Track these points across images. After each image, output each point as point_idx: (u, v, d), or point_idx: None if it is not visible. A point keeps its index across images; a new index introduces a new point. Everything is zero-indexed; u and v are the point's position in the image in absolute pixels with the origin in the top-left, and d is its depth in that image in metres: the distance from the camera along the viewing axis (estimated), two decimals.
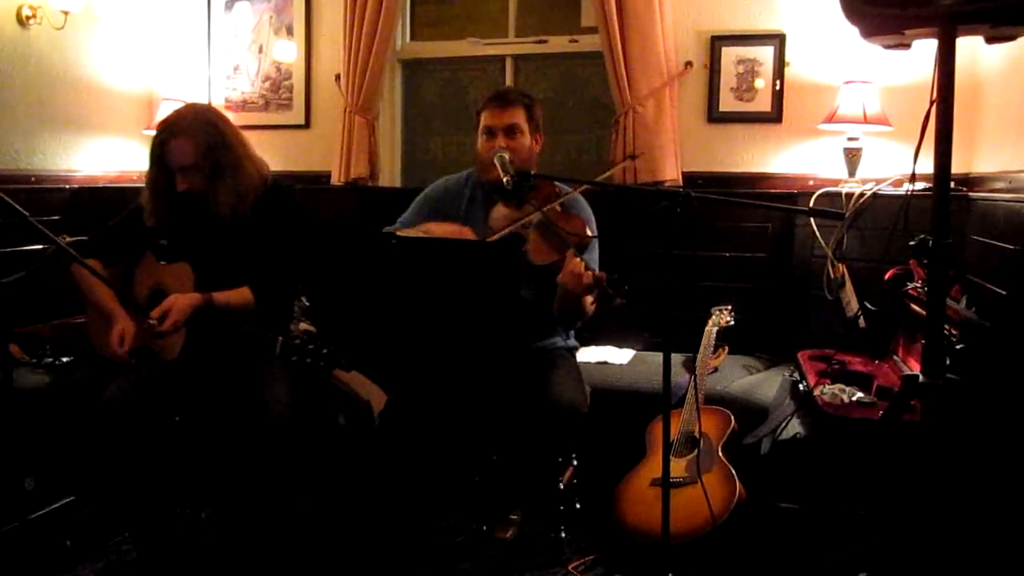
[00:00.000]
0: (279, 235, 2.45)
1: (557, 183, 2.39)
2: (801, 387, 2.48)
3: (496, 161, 2.34)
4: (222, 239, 2.42)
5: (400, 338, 2.41)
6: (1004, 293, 2.22)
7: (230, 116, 2.71)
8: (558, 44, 3.73)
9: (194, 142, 2.31)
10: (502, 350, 2.37)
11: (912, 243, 1.72)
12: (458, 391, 2.37)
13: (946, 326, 1.90)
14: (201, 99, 4.00)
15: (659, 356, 1.90)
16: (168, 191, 2.35)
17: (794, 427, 2.30)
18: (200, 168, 2.33)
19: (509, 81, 3.81)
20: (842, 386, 2.29)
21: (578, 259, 2.09)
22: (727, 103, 3.38)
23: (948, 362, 1.73)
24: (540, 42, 3.76)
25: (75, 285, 2.46)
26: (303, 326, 2.70)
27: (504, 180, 2.29)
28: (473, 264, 2.13)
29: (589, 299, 2.08)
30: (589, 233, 2.32)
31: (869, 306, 2.66)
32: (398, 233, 2.51)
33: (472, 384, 2.36)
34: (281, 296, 2.51)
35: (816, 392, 2.28)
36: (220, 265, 2.40)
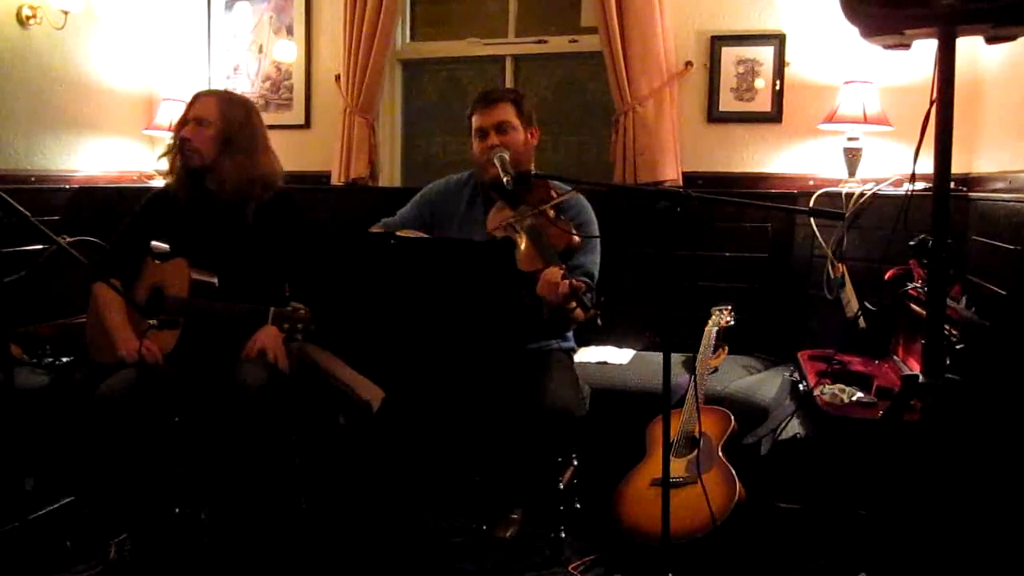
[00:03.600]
0: (281, 245, 2.53)
1: (553, 185, 2.38)
2: (801, 387, 2.48)
3: (496, 161, 2.34)
4: (221, 228, 2.49)
5: (396, 336, 2.41)
6: (1004, 293, 2.22)
7: None
8: (558, 44, 3.73)
9: (217, 105, 2.49)
10: (496, 351, 2.37)
11: (912, 243, 1.72)
12: (452, 390, 2.36)
13: (946, 326, 1.90)
14: None
15: (659, 356, 1.90)
16: (177, 135, 2.49)
17: (794, 427, 2.30)
18: (212, 131, 2.46)
19: (509, 81, 3.81)
20: (842, 386, 2.29)
21: (556, 269, 2.07)
22: (727, 103, 3.38)
23: (948, 362, 1.73)
24: (540, 42, 3.76)
25: (79, 290, 2.49)
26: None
27: (504, 180, 2.29)
28: (466, 264, 2.13)
29: (572, 305, 2.07)
30: (576, 239, 2.28)
31: (869, 306, 2.66)
32: (372, 230, 2.54)
33: (466, 384, 2.36)
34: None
35: (816, 392, 2.28)
36: (214, 254, 2.45)
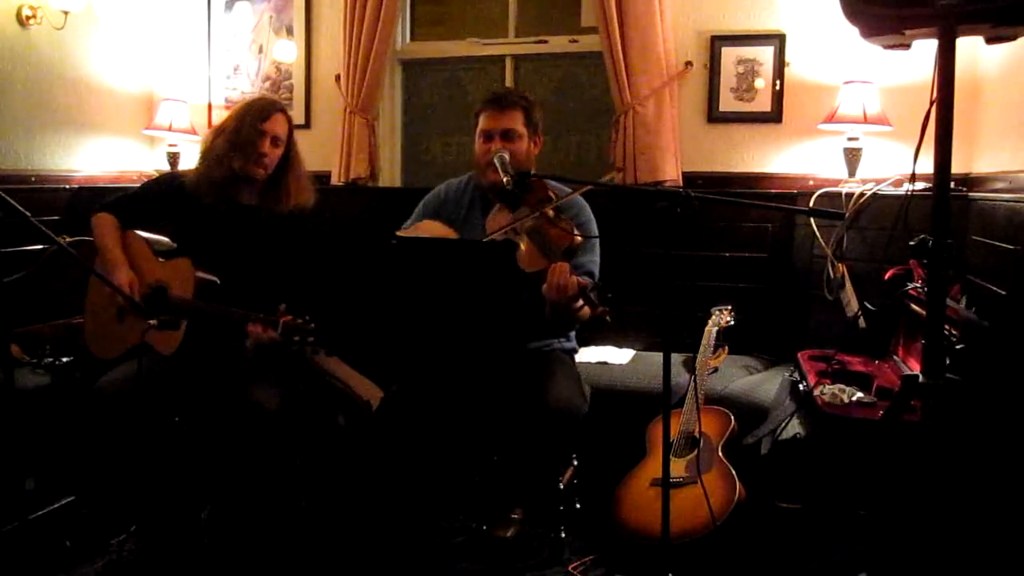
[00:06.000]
0: (290, 257, 2.54)
1: (551, 186, 2.37)
2: (801, 387, 2.48)
3: (496, 161, 2.33)
4: (236, 232, 2.49)
5: (397, 336, 2.41)
6: (1004, 293, 2.22)
7: None
8: (558, 44, 3.73)
9: (288, 124, 2.55)
10: (498, 350, 2.36)
11: (912, 243, 1.72)
12: (454, 390, 2.36)
13: (946, 326, 1.90)
14: (201, 99, 4.01)
15: (659, 356, 1.90)
16: (250, 145, 2.47)
17: (794, 427, 2.30)
18: (281, 151, 2.53)
19: (509, 81, 3.80)
20: (842, 386, 2.29)
21: (563, 267, 2.06)
22: (727, 103, 3.38)
23: (948, 362, 1.73)
24: (540, 42, 3.76)
25: (79, 290, 2.49)
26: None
27: (504, 180, 2.28)
28: (467, 264, 2.12)
29: (579, 303, 2.05)
30: (578, 238, 2.27)
31: (869, 306, 2.66)
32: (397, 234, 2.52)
33: (469, 383, 2.36)
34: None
35: (816, 392, 2.28)
36: (221, 253, 2.44)
